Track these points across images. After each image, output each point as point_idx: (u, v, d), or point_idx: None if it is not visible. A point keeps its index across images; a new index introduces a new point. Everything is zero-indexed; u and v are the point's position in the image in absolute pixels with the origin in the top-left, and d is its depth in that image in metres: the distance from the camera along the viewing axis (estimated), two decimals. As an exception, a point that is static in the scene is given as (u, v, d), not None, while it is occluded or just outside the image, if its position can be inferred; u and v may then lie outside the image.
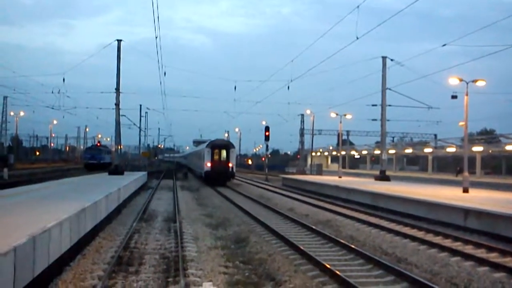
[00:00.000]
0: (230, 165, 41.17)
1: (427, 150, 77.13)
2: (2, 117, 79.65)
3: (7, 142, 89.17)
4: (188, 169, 65.10)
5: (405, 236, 14.82)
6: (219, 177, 40.43)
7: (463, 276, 10.11)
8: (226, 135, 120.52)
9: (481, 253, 12.42)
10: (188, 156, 72.91)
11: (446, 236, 14.74)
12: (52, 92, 39.78)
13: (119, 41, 33.06)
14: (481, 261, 11.27)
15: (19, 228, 8.21)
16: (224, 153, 41.66)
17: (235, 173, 43.63)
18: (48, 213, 10.50)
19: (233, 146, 43.71)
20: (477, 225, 15.55)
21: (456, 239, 14.29)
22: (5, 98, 73.91)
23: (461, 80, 23.71)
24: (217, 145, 42.27)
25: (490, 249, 12.78)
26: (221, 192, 32.57)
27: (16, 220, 9.49)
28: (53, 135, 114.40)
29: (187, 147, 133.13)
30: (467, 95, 23.51)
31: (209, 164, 40.98)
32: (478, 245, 13.28)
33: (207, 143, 43.79)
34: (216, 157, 41.36)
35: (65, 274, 9.29)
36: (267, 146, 61.74)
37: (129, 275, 9.58)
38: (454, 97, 27.95)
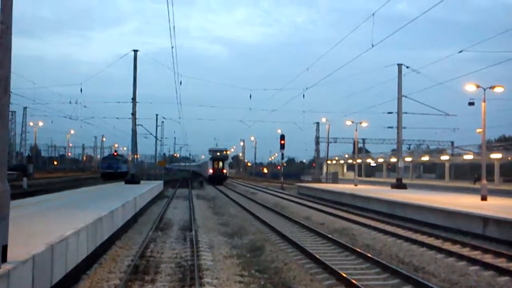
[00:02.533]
0: (225, 171, 64.24)
1: (444, 157, 76.29)
2: (22, 127, 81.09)
3: (26, 152, 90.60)
4: (200, 174, 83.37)
5: (422, 244, 14.65)
6: (217, 178, 60.93)
7: (483, 286, 9.95)
8: (242, 143, 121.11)
9: (501, 262, 12.19)
10: (200, 165, 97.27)
11: (465, 245, 14.53)
12: (70, 102, 40.45)
13: (135, 51, 33.47)
14: (501, 271, 11.06)
15: (37, 237, 8.32)
16: (220, 163, 63.45)
17: (228, 176, 68.56)
18: (66, 222, 10.63)
19: (226, 159, 67.51)
20: (497, 234, 15.30)
21: (474, 248, 14.06)
22: (24, 109, 75.22)
23: (478, 86, 23.46)
24: (216, 158, 64.31)
25: (510, 258, 12.54)
26: (236, 201, 32.58)
27: (35, 228, 9.62)
28: (70, 145, 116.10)
29: (203, 156, 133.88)
30: (484, 101, 23.25)
31: (211, 171, 62.78)
32: (497, 254, 13.05)
33: (210, 157, 66.75)
34: (215, 166, 62.87)
35: (82, 283, 9.37)
36: (282, 154, 61.58)
37: (145, 284, 9.62)
38: (471, 103, 27.63)
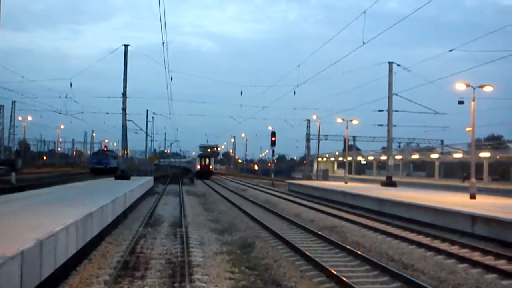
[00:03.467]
0: (211, 167, 74.00)
1: (434, 156, 76.80)
2: (11, 121, 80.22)
3: (15, 147, 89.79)
4: (189, 169, 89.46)
5: (412, 242, 14.74)
6: (204, 174, 68.88)
7: (471, 283, 10.04)
8: (232, 140, 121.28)
9: (488, 260, 12.31)
10: (189, 162, 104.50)
11: (453, 243, 14.65)
12: (60, 96, 40.01)
13: (126, 46, 33.23)
14: (489, 268, 11.18)
15: (26, 232, 8.24)
16: (207, 160, 73.29)
17: (214, 171, 78.28)
18: (55, 217, 10.54)
19: (212, 156, 79.58)
20: (485, 232, 15.44)
21: (463, 245, 14.19)
22: (13, 103, 74.30)
23: (468, 85, 23.62)
24: (203, 156, 75.92)
25: (498, 256, 12.67)
26: (226, 197, 32.56)
27: (23, 224, 9.53)
28: (60, 139, 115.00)
29: (193, 152, 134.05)
30: (474, 100, 23.41)
31: (198, 167, 71.96)
32: (485, 252, 13.17)
33: (198, 154, 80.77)
34: (202, 162, 72.39)
35: (71, 279, 9.33)
36: (273, 151, 61.80)
37: (135, 280, 9.58)
38: (461, 102, 27.81)
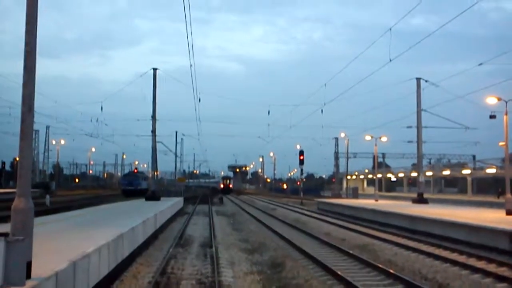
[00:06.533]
0: (230, 186, 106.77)
1: (466, 171, 75.02)
2: (45, 145, 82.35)
3: (49, 170, 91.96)
4: (214, 188, 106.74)
5: (446, 260, 14.36)
6: (225, 190, 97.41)
7: (509, 302, 9.70)
8: (261, 159, 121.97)
9: (528, 278, 11.88)
10: (217, 182, 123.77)
11: (490, 261, 14.20)
12: (91, 120, 41.11)
13: (154, 69, 34.00)
14: (528, 287, 10.79)
15: (60, 254, 8.41)
16: (228, 181, 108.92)
17: (232, 189, 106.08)
18: (87, 239, 10.73)
19: (232, 178, 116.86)
20: (523, 249, 14.94)
21: (501, 264, 13.72)
22: (47, 127, 76.40)
23: (499, 99, 23.18)
24: (224, 177, 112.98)
25: (537, 274, 12.22)
26: (256, 217, 32.49)
27: (57, 245, 9.73)
28: (91, 162, 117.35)
29: (222, 172, 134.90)
30: (506, 114, 22.93)
31: (222, 186, 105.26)
32: (524, 270, 12.73)
33: (222, 177, 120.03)
34: (225, 182, 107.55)
35: (104, 299, 9.42)
36: (301, 170, 61.41)
37: (166, 301, 9.61)
38: (492, 117, 27.29)
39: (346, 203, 40.41)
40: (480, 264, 13.77)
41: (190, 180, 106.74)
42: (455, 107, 39.72)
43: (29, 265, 6.25)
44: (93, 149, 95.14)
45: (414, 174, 72.35)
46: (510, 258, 14.54)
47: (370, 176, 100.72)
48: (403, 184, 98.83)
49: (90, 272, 8.72)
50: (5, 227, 8.98)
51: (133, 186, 66.02)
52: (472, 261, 14.26)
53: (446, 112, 36.38)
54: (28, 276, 6.19)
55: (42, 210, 26.49)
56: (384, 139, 45.06)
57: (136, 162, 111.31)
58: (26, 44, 7.07)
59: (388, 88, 49.37)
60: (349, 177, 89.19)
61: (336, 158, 77.61)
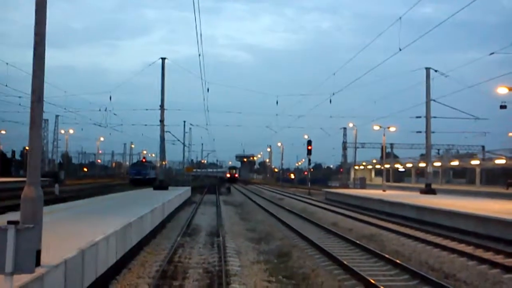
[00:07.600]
0: (236, 175, 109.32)
1: (474, 162, 74.42)
2: (54, 135, 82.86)
3: (58, 159, 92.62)
4: (222, 178, 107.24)
5: (453, 251, 14.35)
6: (231, 180, 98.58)
7: (516, 293, 9.69)
8: (269, 149, 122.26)
9: (535, 269, 11.84)
10: (224, 172, 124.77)
11: (498, 252, 14.15)
12: (100, 110, 41.11)
13: (163, 59, 33.92)
14: (535, 278, 10.76)
15: (68, 242, 8.51)
16: (234, 170, 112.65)
17: (238, 178, 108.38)
18: (96, 227, 10.83)
19: (238, 168, 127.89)
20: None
21: (509, 255, 13.67)
22: (56, 117, 76.80)
23: (510, 89, 22.97)
24: (231, 168, 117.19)
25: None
26: (263, 207, 32.59)
27: (66, 233, 9.84)
28: (100, 151, 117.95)
29: (230, 162, 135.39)
30: (516, 104, 22.73)
31: (228, 175, 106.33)
32: (532, 261, 12.67)
33: (228, 167, 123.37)
34: (231, 172, 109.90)
35: (111, 287, 9.53)
36: (309, 160, 61.44)
37: (174, 289, 9.70)
38: (503, 107, 27.12)
39: (353, 193, 40.41)
40: (488, 255, 13.72)
41: (198, 170, 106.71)
42: (465, 97, 39.28)
43: (38, 253, 6.32)
44: (102, 139, 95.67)
45: (422, 164, 72.06)
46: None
47: (378, 166, 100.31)
48: (411, 175, 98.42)
49: (98, 260, 8.81)
50: (15, 215, 9.08)
51: (141, 176, 66.36)
52: (480, 252, 14.23)
53: (456, 102, 36.05)
54: (38, 263, 6.26)
55: (51, 199, 26.70)
56: (392, 129, 44.93)
57: (144, 152, 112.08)
58: (36, 34, 7.11)
59: (397, 77, 49.44)
60: (356, 167, 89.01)
61: (344, 148, 77.48)
